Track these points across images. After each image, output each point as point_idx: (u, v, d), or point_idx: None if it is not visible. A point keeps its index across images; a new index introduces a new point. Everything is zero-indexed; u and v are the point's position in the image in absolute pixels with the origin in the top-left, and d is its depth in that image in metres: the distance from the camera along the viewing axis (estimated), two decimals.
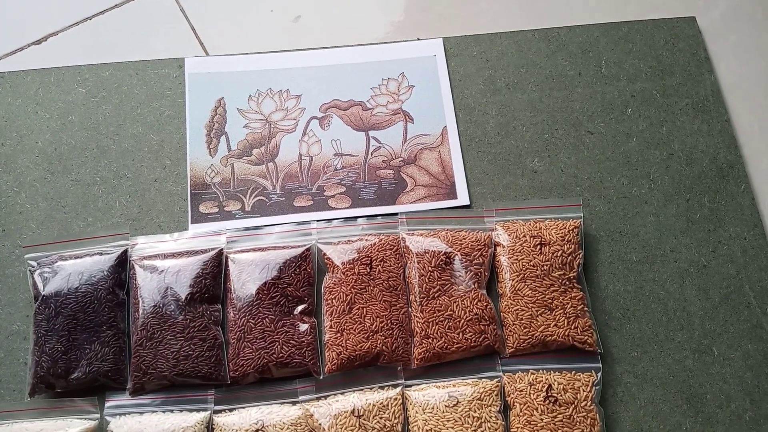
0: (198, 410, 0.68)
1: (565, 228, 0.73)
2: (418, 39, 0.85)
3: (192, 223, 0.76)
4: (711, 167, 0.80)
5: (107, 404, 0.69)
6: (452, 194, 0.78)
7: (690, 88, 0.83)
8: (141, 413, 0.68)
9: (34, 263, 0.72)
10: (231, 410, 0.68)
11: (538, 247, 0.72)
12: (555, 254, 0.72)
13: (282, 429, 0.66)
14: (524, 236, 0.73)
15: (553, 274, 0.71)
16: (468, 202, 0.77)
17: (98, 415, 0.68)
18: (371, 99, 0.82)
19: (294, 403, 0.69)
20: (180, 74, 0.82)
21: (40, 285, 0.71)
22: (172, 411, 0.68)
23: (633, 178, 0.79)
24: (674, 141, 0.81)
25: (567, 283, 0.71)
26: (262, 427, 0.66)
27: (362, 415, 0.67)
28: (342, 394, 0.69)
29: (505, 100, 0.82)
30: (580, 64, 0.84)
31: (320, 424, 0.67)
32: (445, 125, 0.81)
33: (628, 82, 0.83)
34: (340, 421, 0.67)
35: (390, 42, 0.85)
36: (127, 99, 0.81)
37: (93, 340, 0.69)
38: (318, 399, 0.69)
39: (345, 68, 0.83)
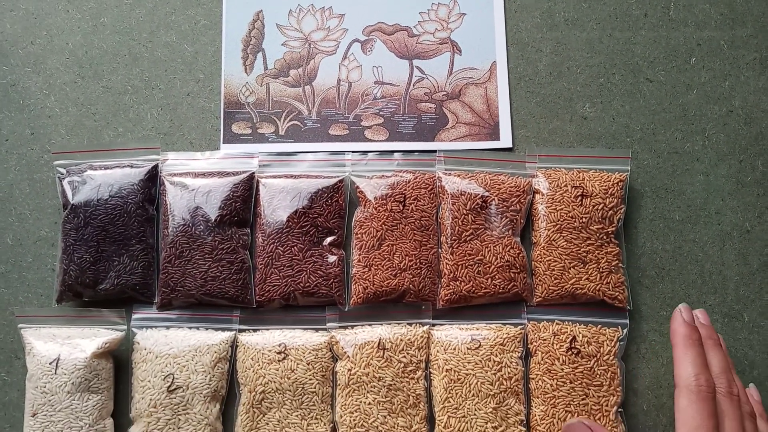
0: (223, 329, 0.69)
1: (609, 181, 0.71)
2: None
3: (224, 143, 0.74)
4: None
5: (134, 316, 0.69)
6: (495, 135, 0.75)
7: (760, 41, 0.77)
8: (167, 327, 0.69)
9: (63, 170, 0.71)
10: (255, 331, 0.69)
11: (579, 198, 0.70)
12: (596, 207, 0.70)
13: (304, 353, 0.67)
14: (566, 186, 0.70)
15: (591, 228, 0.69)
16: (510, 145, 0.74)
17: (125, 327, 0.69)
18: (418, 25, 0.77)
19: (317, 330, 0.69)
20: None
21: (69, 193, 0.70)
22: (198, 328, 0.69)
23: (687, 133, 0.75)
24: (736, 97, 0.76)
25: (604, 237, 0.69)
26: (285, 349, 0.67)
27: (388, 348, 0.67)
28: (369, 325, 0.69)
29: (562, 37, 0.77)
30: (647, 4, 0.77)
31: (345, 352, 0.68)
32: (494, 60, 0.76)
33: (695, 28, 0.77)
34: (366, 351, 0.67)
35: None
36: (162, 3, 0.77)
37: (122, 252, 0.69)
38: (344, 328, 0.69)
39: None
